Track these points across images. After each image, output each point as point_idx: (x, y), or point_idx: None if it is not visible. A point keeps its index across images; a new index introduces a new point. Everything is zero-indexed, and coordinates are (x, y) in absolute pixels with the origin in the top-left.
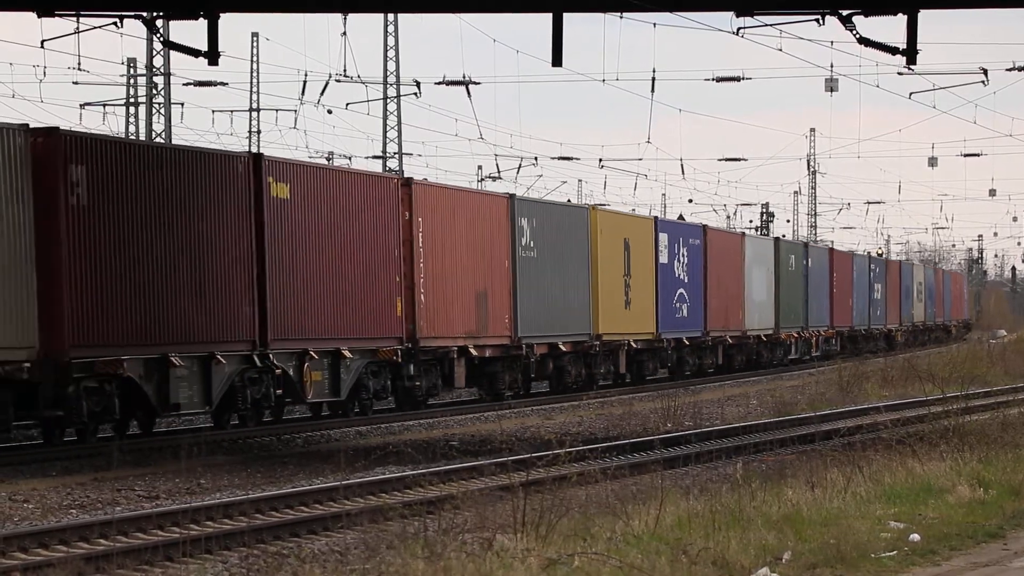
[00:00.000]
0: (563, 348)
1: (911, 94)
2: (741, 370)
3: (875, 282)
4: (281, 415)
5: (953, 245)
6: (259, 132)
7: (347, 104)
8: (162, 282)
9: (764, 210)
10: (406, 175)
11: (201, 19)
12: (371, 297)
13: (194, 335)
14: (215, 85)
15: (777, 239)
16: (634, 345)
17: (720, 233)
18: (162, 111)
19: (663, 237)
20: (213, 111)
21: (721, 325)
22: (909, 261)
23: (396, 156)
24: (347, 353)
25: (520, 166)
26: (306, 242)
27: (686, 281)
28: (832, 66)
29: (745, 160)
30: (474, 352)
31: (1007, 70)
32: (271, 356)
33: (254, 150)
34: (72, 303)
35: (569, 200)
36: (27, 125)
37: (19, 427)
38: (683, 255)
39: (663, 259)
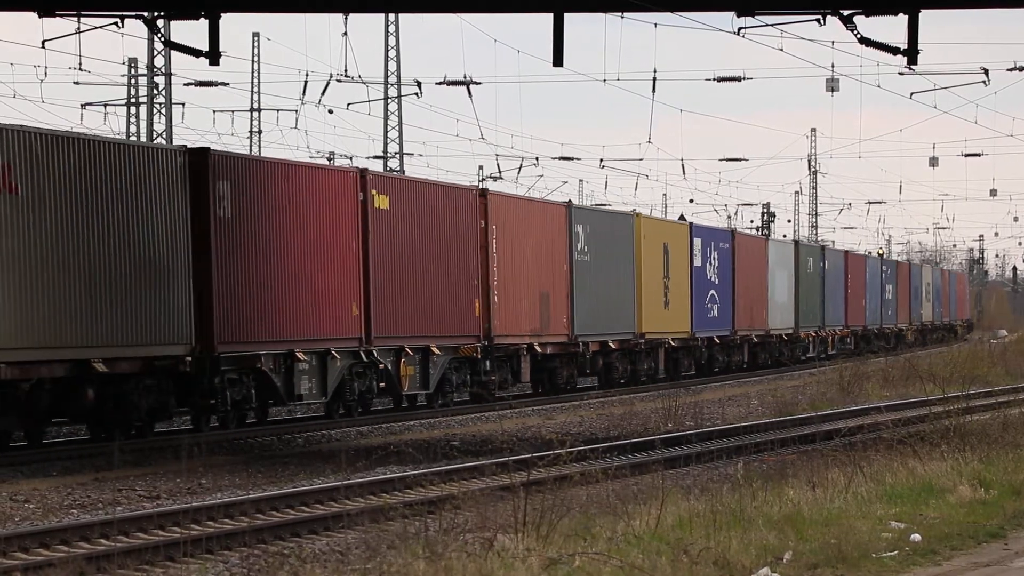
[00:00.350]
0: (612, 346)
1: (912, 94)
2: (764, 367)
3: (886, 283)
4: (369, 407)
5: (954, 245)
6: (260, 132)
7: (348, 104)
8: (287, 285)
9: (765, 210)
10: (482, 187)
11: (202, 19)
12: (455, 298)
13: (313, 333)
14: (216, 85)
15: (797, 242)
16: (672, 343)
17: (747, 237)
18: (163, 111)
19: (697, 241)
20: (214, 111)
21: (747, 324)
22: (918, 263)
23: (397, 156)
24: (435, 350)
25: (521, 166)
26: (402, 248)
27: (717, 283)
28: (833, 66)
29: (746, 160)
30: (538, 349)
31: (1008, 70)
32: (375, 352)
33: (254, 150)
34: (219, 304)
35: (570, 201)
36: (185, 146)
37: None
38: (714, 258)
39: (697, 262)
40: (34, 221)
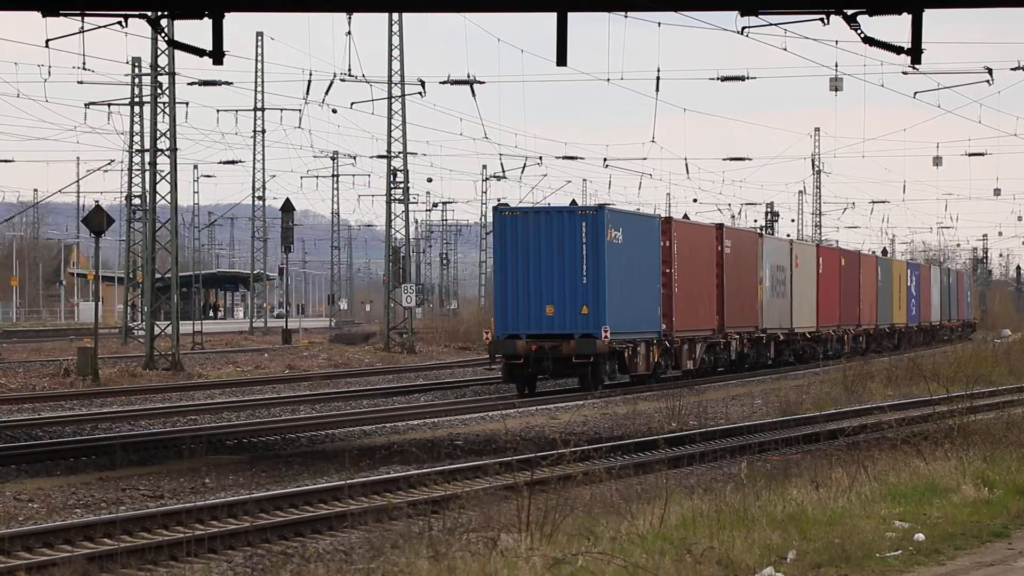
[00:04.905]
0: (887, 329)
1: (916, 93)
2: (925, 345)
3: (968, 289)
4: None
5: (958, 244)
6: (264, 131)
7: (352, 103)
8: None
9: (769, 210)
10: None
11: (206, 18)
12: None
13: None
14: (220, 84)
15: (941, 266)
16: (899, 328)
17: (924, 267)
18: (167, 110)
19: (908, 271)
20: (218, 110)
21: (923, 319)
22: (975, 274)
23: (401, 155)
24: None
25: (525, 165)
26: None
27: (914, 294)
28: (837, 65)
29: (750, 160)
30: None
31: (1012, 69)
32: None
33: (257, 149)
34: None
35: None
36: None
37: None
38: (913, 280)
39: (907, 283)
40: None
